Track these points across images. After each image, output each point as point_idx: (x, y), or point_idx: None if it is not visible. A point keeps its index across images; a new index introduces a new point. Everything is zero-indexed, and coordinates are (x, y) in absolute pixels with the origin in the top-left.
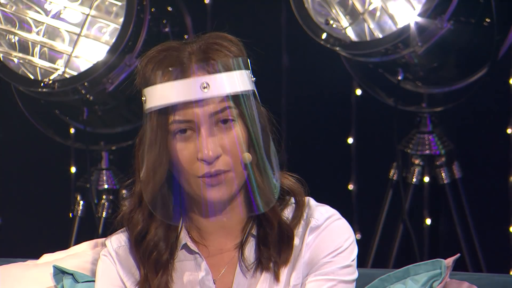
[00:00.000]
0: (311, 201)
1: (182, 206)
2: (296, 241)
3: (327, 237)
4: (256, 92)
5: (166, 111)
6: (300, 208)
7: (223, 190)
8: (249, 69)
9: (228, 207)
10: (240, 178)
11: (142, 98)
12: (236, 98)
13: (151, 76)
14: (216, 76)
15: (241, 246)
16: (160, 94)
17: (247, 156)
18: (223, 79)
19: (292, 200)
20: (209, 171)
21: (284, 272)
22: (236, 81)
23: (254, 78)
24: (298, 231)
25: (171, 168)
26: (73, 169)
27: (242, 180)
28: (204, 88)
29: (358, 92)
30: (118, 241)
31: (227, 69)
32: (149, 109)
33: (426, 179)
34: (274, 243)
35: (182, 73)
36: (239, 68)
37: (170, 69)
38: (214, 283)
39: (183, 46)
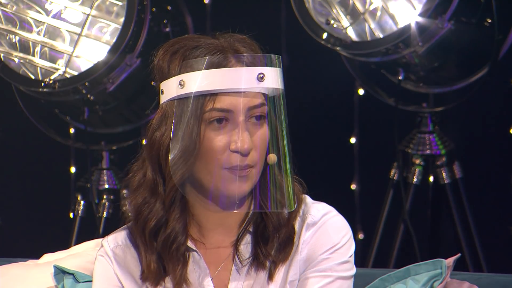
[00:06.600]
0: (307, 199)
1: (187, 202)
2: None
3: (325, 233)
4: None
5: (204, 98)
6: (297, 204)
7: (245, 185)
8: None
9: (244, 202)
10: (258, 176)
11: (180, 82)
12: (274, 96)
13: (195, 62)
14: (271, 69)
15: (236, 243)
16: (210, 79)
17: (273, 158)
18: (277, 72)
19: None
20: (241, 164)
21: (280, 269)
22: (281, 77)
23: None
24: (295, 227)
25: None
26: (73, 169)
27: (258, 177)
28: (261, 78)
29: (361, 92)
30: (115, 240)
31: (278, 64)
32: (189, 94)
33: (427, 179)
34: (273, 241)
35: (233, 62)
36: (282, 66)
37: (222, 56)
38: (212, 281)
39: (210, 39)
